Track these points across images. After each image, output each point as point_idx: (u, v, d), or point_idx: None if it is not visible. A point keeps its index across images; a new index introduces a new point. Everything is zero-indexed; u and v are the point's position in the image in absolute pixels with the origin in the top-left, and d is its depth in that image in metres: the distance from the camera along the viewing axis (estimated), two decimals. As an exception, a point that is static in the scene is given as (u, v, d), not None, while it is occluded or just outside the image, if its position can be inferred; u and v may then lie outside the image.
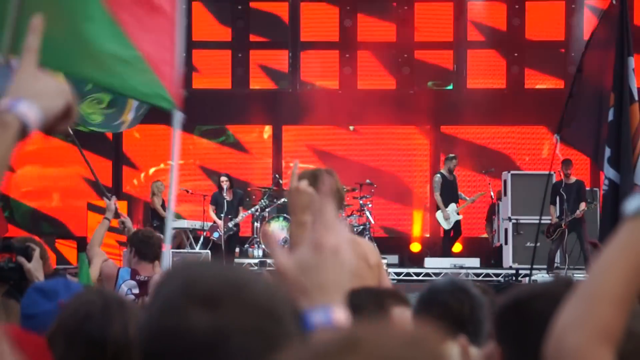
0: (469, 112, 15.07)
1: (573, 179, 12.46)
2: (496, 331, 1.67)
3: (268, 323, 1.31)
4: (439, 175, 13.87)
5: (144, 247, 5.49)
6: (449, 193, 13.74)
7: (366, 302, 2.50)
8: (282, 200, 13.22)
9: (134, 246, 5.55)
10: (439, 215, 13.80)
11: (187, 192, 13.70)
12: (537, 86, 15.63)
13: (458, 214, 13.81)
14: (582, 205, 12.15)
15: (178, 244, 13.09)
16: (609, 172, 8.66)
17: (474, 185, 15.16)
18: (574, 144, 9.59)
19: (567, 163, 12.12)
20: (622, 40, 8.87)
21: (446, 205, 13.70)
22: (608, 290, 1.39)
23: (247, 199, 14.16)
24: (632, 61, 8.86)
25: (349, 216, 13.74)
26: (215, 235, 13.13)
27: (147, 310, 1.35)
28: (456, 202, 13.83)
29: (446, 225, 13.72)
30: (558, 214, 12.42)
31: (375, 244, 12.44)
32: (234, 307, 1.30)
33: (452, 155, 14.08)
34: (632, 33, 9.19)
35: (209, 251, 12.78)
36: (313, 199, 3.11)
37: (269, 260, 12.43)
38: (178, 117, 3.96)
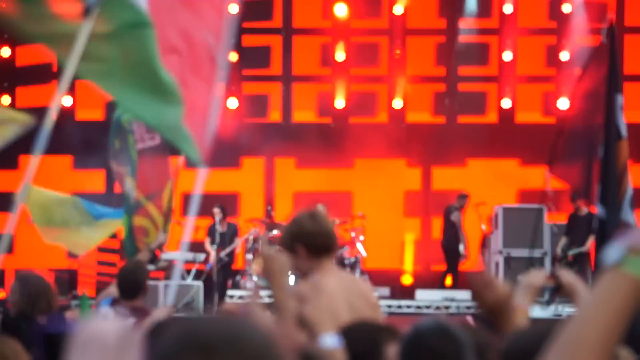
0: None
1: (585, 210, 12.44)
2: None
3: None
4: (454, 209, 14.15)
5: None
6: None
7: (361, 336, 2.60)
8: (274, 231, 13.34)
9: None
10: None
11: (179, 223, 13.67)
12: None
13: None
14: (591, 239, 11.98)
15: (169, 276, 13.01)
16: (599, 209, 8.81)
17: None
18: (564, 179, 9.75)
19: (574, 196, 12.20)
20: (611, 76, 9.10)
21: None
22: (589, 340, 1.41)
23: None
24: (620, 98, 9.08)
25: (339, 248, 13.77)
26: (208, 266, 13.21)
27: (145, 357, 1.40)
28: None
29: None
30: (565, 246, 12.45)
31: (366, 277, 13.11)
32: (230, 355, 1.35)
33: (464, 194, 14.34)
34: (621, 70, 9.45)
35: (201, 282, 12.79)
36: (286, 262, 3.28)
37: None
38: (203, 172, 4.39)
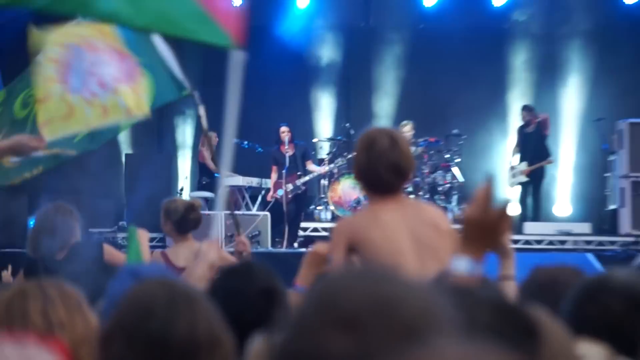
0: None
1: None
2: None
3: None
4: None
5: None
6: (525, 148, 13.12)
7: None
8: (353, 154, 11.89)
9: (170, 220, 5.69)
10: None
11: (242, 145, 12.78)
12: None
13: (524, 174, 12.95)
14: None
15: (233, 203, 11.95)
16: None
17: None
18: None
19: None
20: None
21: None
22: None
23: (313, 152, 13.47)
24: None
25: (431, 173, 12.58)
26: (279, 192, 12.25)
27: (282, 332, 1.34)
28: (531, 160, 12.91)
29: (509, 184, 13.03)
30: None
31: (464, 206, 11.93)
32: (377, 328, 1.29)
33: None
34: None
35: (267, 213, 11.65)
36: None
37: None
38: (238, 57, 3.93)
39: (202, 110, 4.81)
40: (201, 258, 3.88)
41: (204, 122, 4.88)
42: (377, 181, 3.69)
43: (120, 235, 11.68)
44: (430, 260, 3.52)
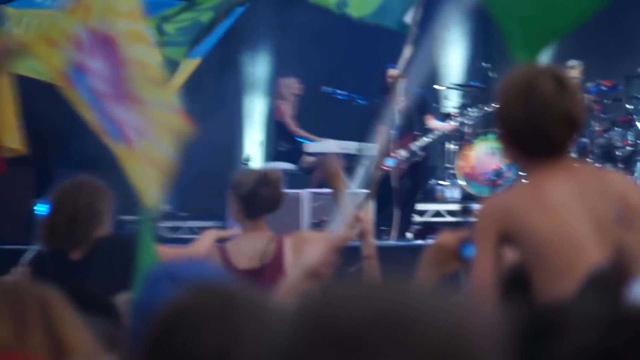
0: None
1: None
2: None
3: None
4: None
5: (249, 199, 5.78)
6: None
7: None
8: (492, 106, 11.92)
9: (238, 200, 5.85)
10: None
11: (335, 95, 13.24)
12: None
13: None
14: None
15: (320, 179, 12.39)
16: None
17: None
18: None
19: None
20: None
21: None
22: None
23: (435, 104, 13.49)
24: None
25: (605, 132, 12.84)
26: (390, 163, 12.20)
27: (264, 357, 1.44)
28: None
29: None
30: None
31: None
32: (392, 354, 1.35)
33: None
34: None
35: (369, 191, 11.62)
36: None
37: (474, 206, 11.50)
38: None
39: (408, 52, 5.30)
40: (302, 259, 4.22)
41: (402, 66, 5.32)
42: (541, 140, 3.73)
43: (165, 224, 11.87)
44: None
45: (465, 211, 4.48)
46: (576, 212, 3.69)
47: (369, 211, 5.27)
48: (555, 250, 3.59)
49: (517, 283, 3.58)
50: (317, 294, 1.47)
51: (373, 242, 4.99)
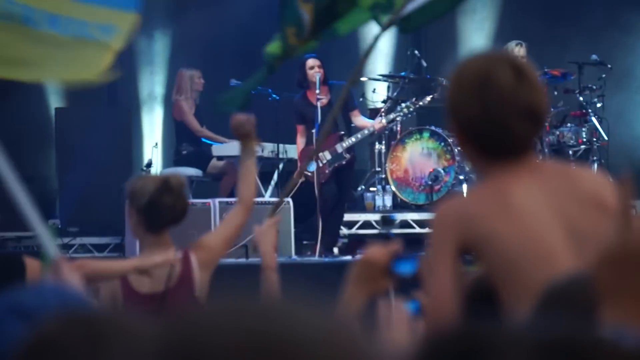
0: None
1: None
2: None
3: None
4: None
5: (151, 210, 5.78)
6: None
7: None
8: (430, 97, 12.65)
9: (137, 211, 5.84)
10: None
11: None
12: None
13: None
14: None
15: (231, 186, 12.37)
16: None
17: None
18: None
19: None
20: None
21: None
22: None
23: (361, 98, 13.61)
24: None
25: (556, 127, 13.19)
26: (312, 167, 12.29)
27: None
28: None
29: None
30: None
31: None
32: None
33: None
34: None
35: (289, 200, 11.93)
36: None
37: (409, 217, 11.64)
38: None
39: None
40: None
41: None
42: (501, 137, 3.75)
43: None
44: None
45: (387, 222, 4.45)
46: (546, 217, 3.71)
47: (274, 220, 5.33)
48: (524, 261, 3.60)
49: (482, 299, 3.57)
50: (187, 317, 1.50)
51: (272, 252, 5.18)
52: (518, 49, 12.45)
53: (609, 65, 13.31)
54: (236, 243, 11.07)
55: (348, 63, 14.63)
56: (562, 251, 3.63)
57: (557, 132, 12.79)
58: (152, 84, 15.37)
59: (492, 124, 3.72)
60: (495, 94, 3.69)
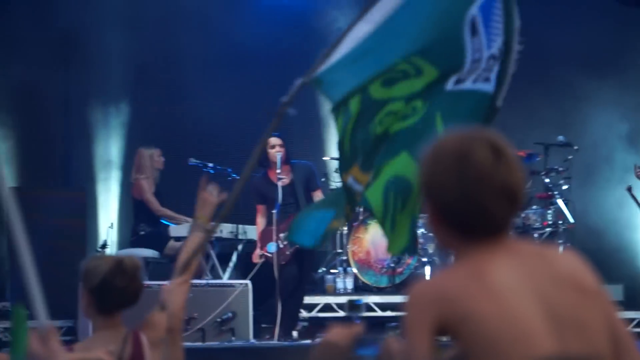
0: None
1: None
2: None
3: None
4: None
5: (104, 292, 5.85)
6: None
7: None
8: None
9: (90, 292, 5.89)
10: None
11: (204, 169, 13.32)
12: None
13: None
14: None
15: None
16: None
17: None
18: None
19: None
20: None
21: None
22: None
23: (323, 178, 13.85)
24: None
25: (522, 210, 12.71)
26: (272, 248, 12.33)
27: None
28: None
29: None
30: None
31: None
32: None
33: None
34: None
35: (249, 282, 12.19)
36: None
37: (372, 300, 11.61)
38: None
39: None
40: None
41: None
42: (478, 217, 3.78)
43: (1, 325, 11.67)
44: (575, 342, 3.64)
45: (353, 307, 4.47)
46: (524, 298, 3.72)
47: (184, 278, 5.38)
48: (503, 342, 3.60)
49: None
50: None
51: (179, 313, 5.22)
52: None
53: (576, 147, 13.47)
54: (192, 327, 10.97)
55: (310, 142, 14.71)
56: (541, 333, 3.66)
57: (522, 215, 12.87)
58: (109, 165, 15.34)
59: (469, 204, 3.76)
60: (474, 174, 3.74)
